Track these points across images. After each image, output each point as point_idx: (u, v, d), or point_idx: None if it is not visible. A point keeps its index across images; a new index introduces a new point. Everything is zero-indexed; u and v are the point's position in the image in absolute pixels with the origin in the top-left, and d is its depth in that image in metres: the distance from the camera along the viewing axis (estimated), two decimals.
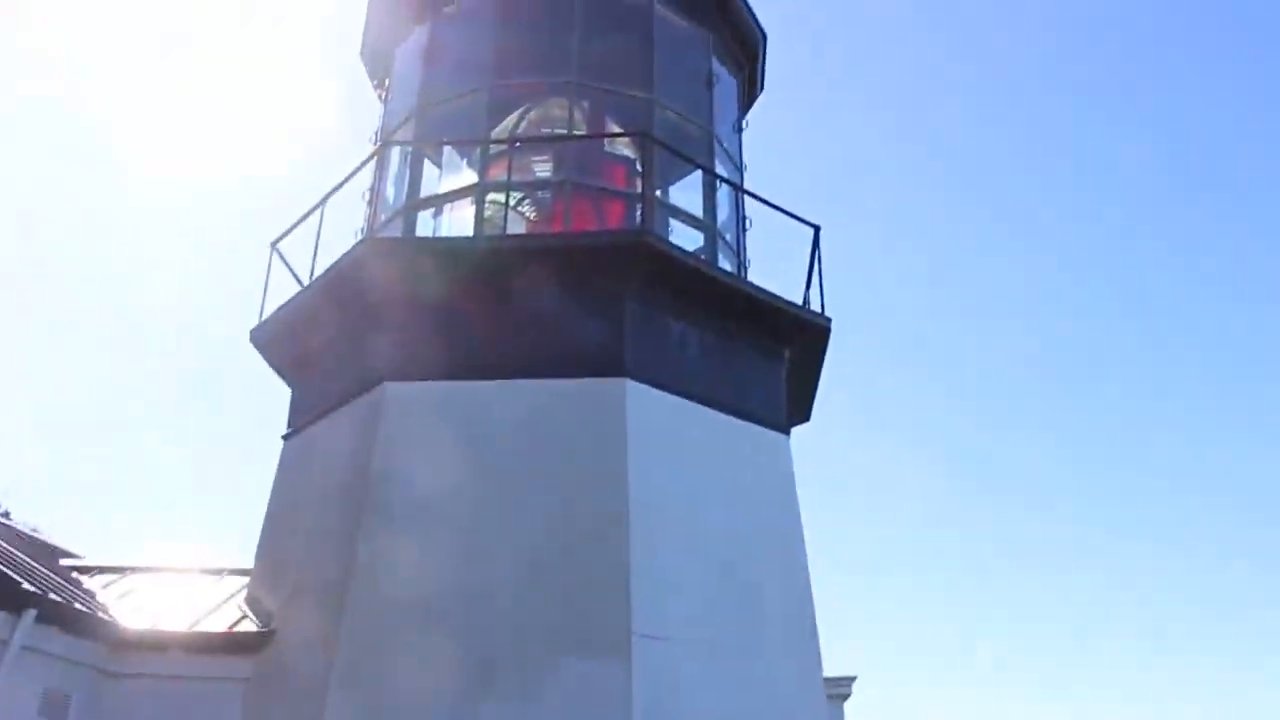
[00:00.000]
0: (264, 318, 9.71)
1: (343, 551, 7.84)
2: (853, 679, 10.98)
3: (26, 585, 7.27)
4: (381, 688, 7.23)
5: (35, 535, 11.52)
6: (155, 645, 8.18)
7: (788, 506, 8.78)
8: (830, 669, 8.75)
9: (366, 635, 7.42)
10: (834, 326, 9.30)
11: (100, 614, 8.30)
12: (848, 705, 10.96)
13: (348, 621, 7.44)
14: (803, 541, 8.69)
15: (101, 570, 9.95)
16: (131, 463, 37.55)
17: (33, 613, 7.16)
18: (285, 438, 9.52)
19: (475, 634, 7.34)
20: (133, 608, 8.78)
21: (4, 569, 7.38)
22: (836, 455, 33.59)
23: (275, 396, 10.05)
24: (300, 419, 9.43)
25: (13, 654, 7.01)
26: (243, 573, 9.38)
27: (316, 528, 8.44)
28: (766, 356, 9.21)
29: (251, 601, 8.72)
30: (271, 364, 9.92)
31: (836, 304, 9.57)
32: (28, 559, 8.78)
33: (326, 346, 9.27)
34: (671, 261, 8.64)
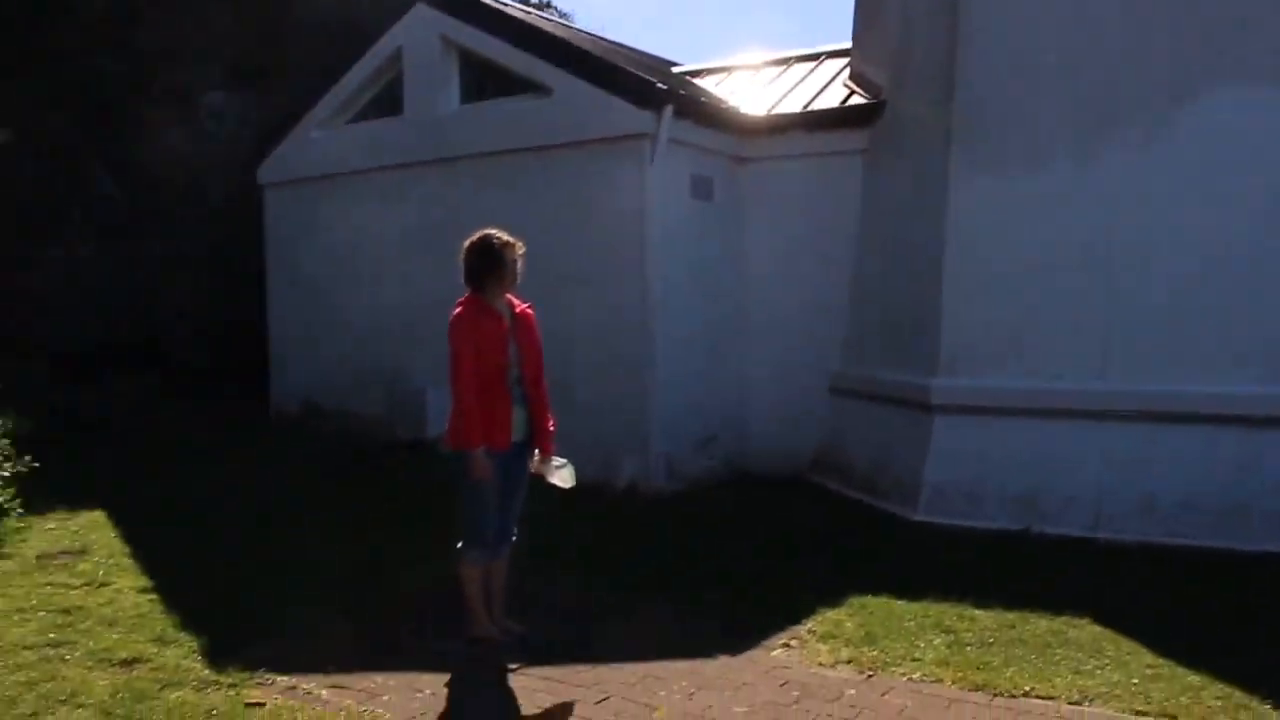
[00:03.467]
0: None
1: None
2: None
3: (660, 85, 7.97)
4: (1000, 135, 7.14)
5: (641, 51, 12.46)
6: (776, 128, 8.75)
7: None
8: None
9: (981, 92, 7.25)
10: None
11: (724, 106, 8.97)
12: None
13: (961, 82, 7.30)
14: None
15: (709, 72, 10.66)
16: None
17: (670, 108, 7.88)
18: None
19: (1094, 74, 6.87)
20: (747, 99, 9.37)
21: (640, 73, 8.13)
22: None
23: None
24: None
25: (662, 146, 7.87)
26: (841, 54, 9.52)
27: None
28: None
29: (857, 78, 8.88)
30: None
31: None
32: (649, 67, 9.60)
33: None
34: None
